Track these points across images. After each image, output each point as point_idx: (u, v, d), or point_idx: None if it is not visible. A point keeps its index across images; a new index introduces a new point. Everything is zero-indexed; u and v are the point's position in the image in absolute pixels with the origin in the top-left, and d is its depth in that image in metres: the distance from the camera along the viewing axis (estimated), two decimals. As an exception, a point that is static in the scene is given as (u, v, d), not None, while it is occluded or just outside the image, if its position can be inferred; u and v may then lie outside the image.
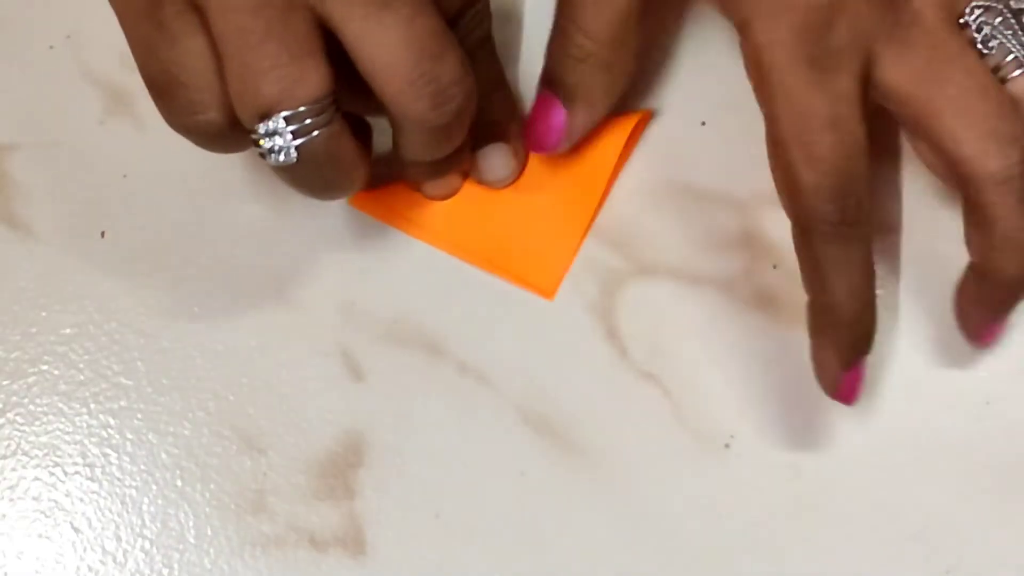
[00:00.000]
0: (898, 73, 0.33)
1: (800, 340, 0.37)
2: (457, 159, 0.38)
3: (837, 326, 0.35)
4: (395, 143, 0.36)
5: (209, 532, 0.38)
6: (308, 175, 0.34)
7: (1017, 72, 0.34)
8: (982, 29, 0.34)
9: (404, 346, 0.40)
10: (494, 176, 0.39)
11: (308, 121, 0.32)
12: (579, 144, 0.39)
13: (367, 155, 0.36)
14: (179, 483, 0.39)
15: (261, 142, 0.33)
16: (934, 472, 0.38)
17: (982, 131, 0.33)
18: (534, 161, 0.40)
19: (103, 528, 0.39)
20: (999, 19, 0.34)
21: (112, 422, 0.39)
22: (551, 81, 0.37)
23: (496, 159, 0.39)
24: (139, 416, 0.39)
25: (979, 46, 0.34)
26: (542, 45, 0.38)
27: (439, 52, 0.33)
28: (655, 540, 0.38)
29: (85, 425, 0.39)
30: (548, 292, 0.39)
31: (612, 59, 0.37)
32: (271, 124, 0.32)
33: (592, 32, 0.36)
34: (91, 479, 0.39)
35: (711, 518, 0.38)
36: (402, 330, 0.40)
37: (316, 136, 0.33)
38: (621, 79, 0.38)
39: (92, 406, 0.40)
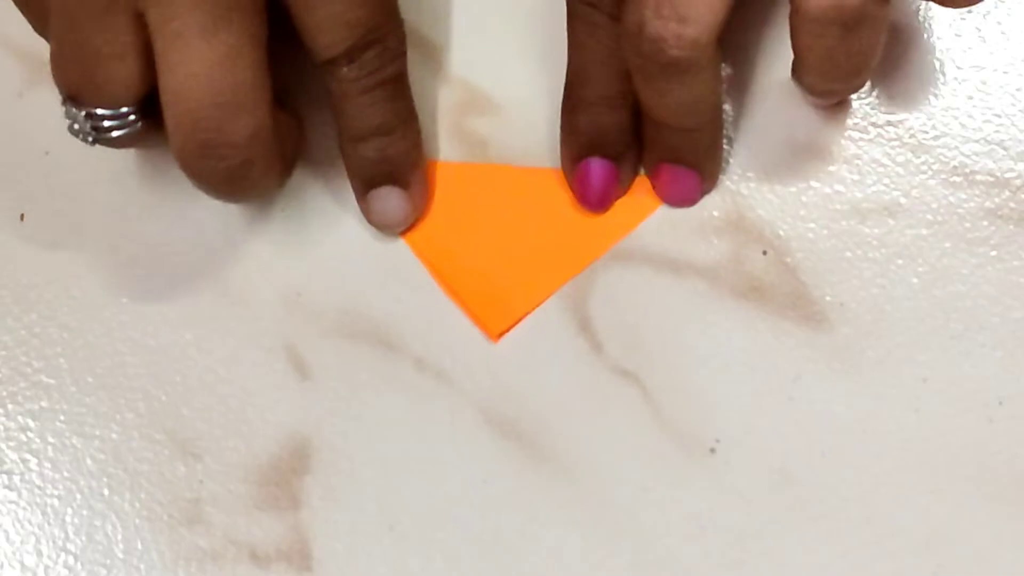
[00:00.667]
0: None
1: (793, 334, 0.37)
2: (398, 161, 0.38)
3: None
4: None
5: (139, 546, 0.38)
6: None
7: None
8: None
9: (354, 341, 0.39)
10: (382, 220, 0.39)
11: (106, 123, 0.34)
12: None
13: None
14: (106, 492, 0.38)
15: (67, 121, 0.35)
16: (940, 479, 0.37)
17: None
18: (543, 201, 0.39)
19: (22, 542, 0.38)
20: None
21: (32, 424, 0.39)
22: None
23: (386, 203, 0.38)
24: (62, 418, 0.39)
25: None
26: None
27: (234, 105, 0.33)
28: (632, 555, 0.37)
29: (2, 428, 0.39)
30: (494, 334, 0.39)
31: None
32: (72, 109, 0.34)
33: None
34: (8, 487, 0.38)
35: (694, 530, 0.37)
36: (352, 323, 0.39)
37: (113, 136, 0.34)
38: None
39: (9, 407, 0.39)
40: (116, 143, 0.35)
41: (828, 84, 0.36)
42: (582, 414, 0.38)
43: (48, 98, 0.40)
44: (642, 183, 0.39)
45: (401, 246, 0.39)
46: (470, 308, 0.39)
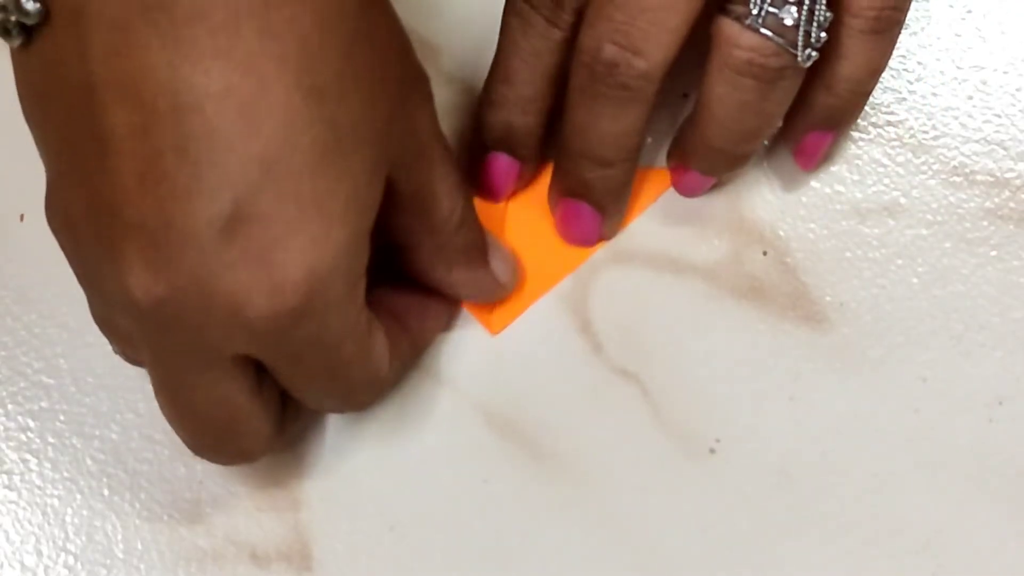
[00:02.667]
0: None
1: (793, 334, 0.37)
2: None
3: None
4: None
5: (139, 546, 0.37)
6: None
7: (731, 19, 0.33)
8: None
9: None
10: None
11: None
12: None
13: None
14: (106, 492, 0.38)
15: None
16: (940, 479, 0.37)
17: None
18: (543, 196, 0.39)
19: (22, 542, 0.38)
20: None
21: (32, 424, 0.38)
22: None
23: (500, 269, 0.37)
24: (62, 418, 0.38)
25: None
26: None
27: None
28: (633, 555, 0.37)
29: (2, 428, 0.38)
30: (493, 328, 0.38)
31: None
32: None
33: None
34: (8, 487, 0.38)
35: (695, 530, 0.37)
36: None
37: None
38: None
39: (10, 407, 0.39)
40: None
41: (725, 142, 0.35)
42: (582, 414, 0.38)
43: (48, 98, 0.40)
44: (642, 177, 0.39)
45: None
46: (472, 304, 0.38)
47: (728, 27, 0.33)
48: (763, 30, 0.32)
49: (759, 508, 0.37)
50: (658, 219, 0.39)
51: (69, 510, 0.38)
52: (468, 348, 0.38)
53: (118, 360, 0.37)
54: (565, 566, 0.37)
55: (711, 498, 0.37)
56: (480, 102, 0.37)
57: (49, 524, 0.38)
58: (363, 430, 0.38)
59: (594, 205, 0.37)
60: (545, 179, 0.39)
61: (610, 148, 0.36)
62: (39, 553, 0.37)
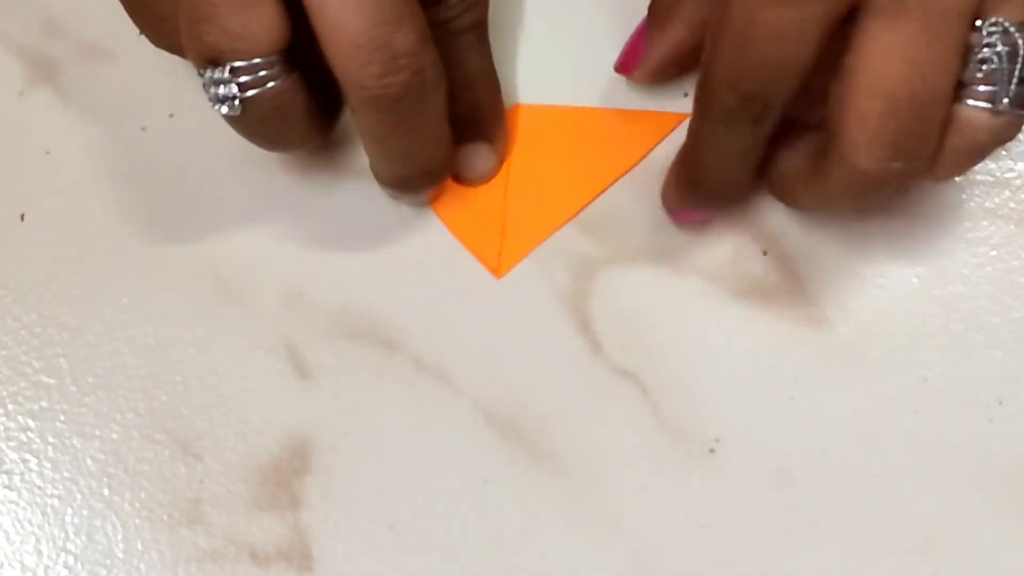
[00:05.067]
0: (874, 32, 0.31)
1: (793, 334, 0.37)
2: (431, 173, 0.37)
3: None
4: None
5: (139, 546, 0.37)
6: (255, 127, 0.34)
7: (980, 103, 0.31)
8: (988, 46, 0.31)
9: (354, 340, 0.38)
10: (470, 175, 0.39)
11: (257, 75, 0.32)
12: (605, 133, 0.39)
13: (323, 115, 0.35)
14: (106, 492, 0.38)
15: (207, 88, 0.33)
16: (939, 479, 0.37)
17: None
18: (554, 134, 0.40)
19: (22, 542, 0.38)
20: (1009, 49, 0.31)
21: (32, 424, 0.38)
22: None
23: (476, 159, 0.39)
24: (62, 418, 0.38)
25: (973, 58, 0.31)
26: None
27: (395, 17, 0.31)
28: (632, 555, 0.37)
29: (2, 428, 0.38)
30: (497, 270, 0.39)
31: None
32: (217, 73, 0.32)
33: None
34: (8, 487, 0.38)
35: (694, 530, 0.37)
36: (352, 322, 0.39)
37: (264, 91, 0.32)
38: None
39: (10, 407, 0.39)
40: (262, 105, 0.33)
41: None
42: (582, 414, 0.38)
43: (48, 97, 0.40)
44: (646, 117, 0.39)
45: (401, 246, 0.39)
46: (472, 245, 0.39)
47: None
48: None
49: (759, 508, 0.37)
50: (658, 219, 0.39)
51: (69, 510, 0.38)
52: (468, 348, 0.38)
53: (118, 360, 0.38)
54: (565, 566, 0.37)
55: (711, 498, 0.37)
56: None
57: (49, 524, 0.38)
58: (363, 430, 0.38)
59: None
60: (550, 122, 0.39)
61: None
62: (39, 553, 0.37)
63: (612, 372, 0.38)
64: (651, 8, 0.38)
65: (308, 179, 0.39)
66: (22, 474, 0.38)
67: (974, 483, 0.37)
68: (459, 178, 0.39)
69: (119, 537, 0.37)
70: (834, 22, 0.30)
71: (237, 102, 0.32)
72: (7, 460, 0.38)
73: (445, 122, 0.35)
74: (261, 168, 0.39)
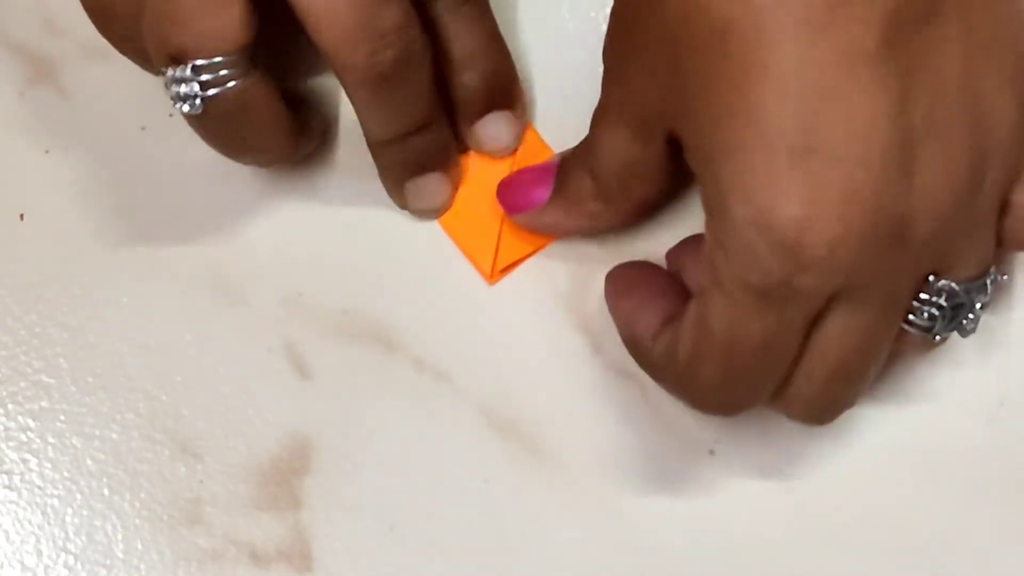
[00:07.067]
0: None
1: None
2: (434, 154, 0.37)
3: None
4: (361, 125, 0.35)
5: (139, 546, 0.37)
6: (216, 128, 0.34)
7: (915, 332, 0.32)
8: (934, 305, 0.32)
9: (355, 340, 0.38)
10: (496, 145, 0.38)
11: (218, 73, 0.32)
12: None
13: (292, 123, 0.35)
14: (106, 492, 0.38)
15: (169, 87, 0.33)
16: (940, 481, 0.37)
17: None
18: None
19: (22, 542, 0.38)
20: (953, 303, 0.32)
21: (32, 424, 0.38)
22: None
23: (498, 128, 0.38)
24: (62, 418, 0.38)
25: (919, 311, 0.32)
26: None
27: None
28: (632, 556, 0.37)
29: (2, 428, 0.38)
30: (489, 276, 0.38)
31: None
32: (179, 71, 0.32)
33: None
34: (8, 487, 0.38)
35: (694, 531, 0.37)
36: (352, 323, 0.39)
37: (225, 90, 0.33)
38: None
39: (10, 407, 0.39)
40: (224, 104, 0.33)
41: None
42: (581, 415, 0.38)
43: (48, 96, 0.40)
44: None
45: (400, 247, 0.39)
46: (466, 249, 0.38)
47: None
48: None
49: (759, 508, 0.37)
50: (658, 219, 0.38)
51: (69, 510, 0.38)
52: (468, 348, 0.38)
53: (118, 360, 0.38)
54: (565, 566, 0.37)
55: (711, 498, 0.37)
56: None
57: (49, 524, 0.38)
58: (363, 430, 0.38)
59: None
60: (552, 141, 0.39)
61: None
62: (39, 553, 0.37)
63: (612, 372, 0.38)
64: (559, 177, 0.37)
65: (308, 179, 0.39)
66: (22, 474, 0.38)
67: (974, 483, 0.37)
68: (482, 152, 0.38)
69: (119, 537, 0.37)
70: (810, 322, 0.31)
71: (199, 101, 0.33)
72: (7, 460, 0.38)
73: (434, 85, 0.35)
74: (261, 168, 0.39)
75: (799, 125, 0.28)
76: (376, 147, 0.36)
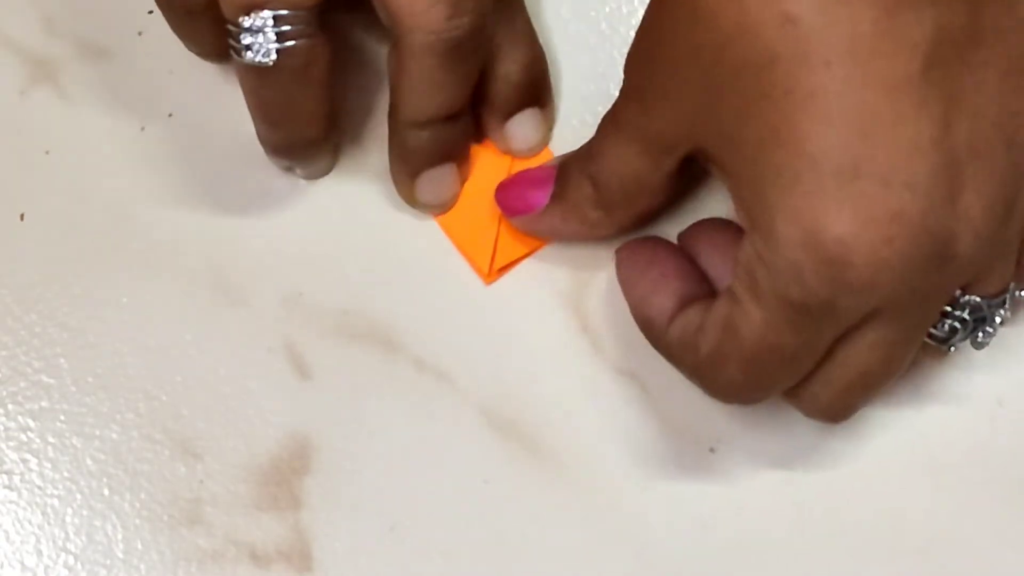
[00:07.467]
0: None
1: None
2: (456, 145, 0.37)
3: None
4: (393, 105, 0.36)
5: (139, 546, 0.37)
6: (279, 85, 0.34)
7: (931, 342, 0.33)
8: (957, 319, 0.32)
9: (355, 340, 0.38)
10: (526, 145, 0.38)
11: (295, 26, 0.33)
12: None
13: (332, 106, 0.36)
14: (106, 492, 0.38)
15: (241, 37, 0.33)
16: (940, 480, 0.37)
17: None
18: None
19: (22, 542, 0.38)
20: (976, 316, 0.32)
21: (32, 424, 0.38)
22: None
23: (531, 127, 0.38)
24: (62, 418, 0.38)
25: (941, 323, 0.32)
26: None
27: None
28: (633, 555, 0.37)
29: (2, 428, 0.38)
30: (487, 277, 0.38)
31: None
32: (256, 20, 0.33)
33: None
34: (8, 487, 0.38)
35: (695, 530, 0.37)
36: (353, 323, 0.39)
37: (299, 43, 0.33)
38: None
39: (10, 407, 0.38)
40: (295, 58, 0.33)
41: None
42: (582, 414, 0.38)
43: (49, 96, 0.40)
44: None
45: (401, 246, 0.39)
46: (464, 248, 0.38)
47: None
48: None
49: (759, 508, 0.37)
50: (658, 219, 0.38)
51: (69, 510, 0.38)
52: (468, 348, 0.38)
53: (118, 360, 0.38)
54: (565, 566, 0.37)
55: (711, 498, 0.37)
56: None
57: (49, 524, 0.38)
58: (363, 430, 0.38)
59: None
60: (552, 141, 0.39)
61: None
62: (39, 553, 0.37)
63: (612, 372, 0.38)
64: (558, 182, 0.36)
65: (309, 180, 0.39)
66: (22, 474, 0.38)
67: (974, 483, 0.37)
68: (510, 151, 0.38)
69: (119, 537, 0.37)
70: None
71: (273, 51, 0.33)
72: (7, 460, 0.38)
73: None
74: (261, 168, 0.39)
75: (846, 149, 0.29)
76: (408, 128, 0.36)
